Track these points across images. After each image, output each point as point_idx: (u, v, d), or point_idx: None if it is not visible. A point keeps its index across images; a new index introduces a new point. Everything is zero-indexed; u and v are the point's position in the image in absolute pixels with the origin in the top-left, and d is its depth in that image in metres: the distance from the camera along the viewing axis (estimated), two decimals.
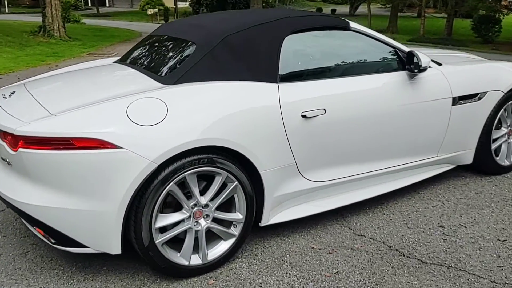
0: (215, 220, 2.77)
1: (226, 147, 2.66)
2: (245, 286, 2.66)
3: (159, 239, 2.57)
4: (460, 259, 2.91)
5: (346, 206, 3.35)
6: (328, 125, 3.05)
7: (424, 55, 3.37)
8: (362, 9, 35.65)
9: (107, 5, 44.56)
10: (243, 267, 2.84)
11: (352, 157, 3.24)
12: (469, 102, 3.73)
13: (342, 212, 3.46)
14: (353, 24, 3.37)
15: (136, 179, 2.41)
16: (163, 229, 2.63)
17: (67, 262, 2.88)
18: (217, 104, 2.69)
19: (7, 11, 33.97)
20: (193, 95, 2.69)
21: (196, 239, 2.71)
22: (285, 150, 2.92)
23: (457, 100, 3.64)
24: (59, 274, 2.76)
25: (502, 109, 3.94)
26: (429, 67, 3.44)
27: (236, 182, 2.73)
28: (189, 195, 2.66)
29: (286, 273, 2.77)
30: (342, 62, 3.29)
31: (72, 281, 2.70)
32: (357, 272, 2.77)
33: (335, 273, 2.77)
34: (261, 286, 2.65)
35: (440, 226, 3.30)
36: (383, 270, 2.80)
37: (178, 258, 2.67)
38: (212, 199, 2.71)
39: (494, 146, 4.01)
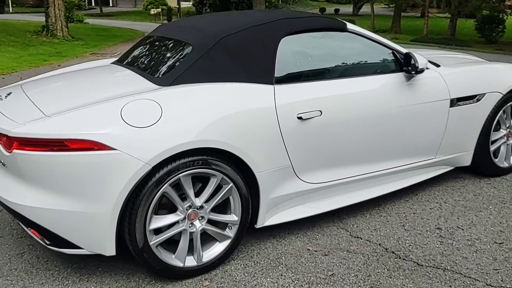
0: (210, 221, 2.77)
1: (221, 149, 2.66)
2: None
3: (154, 240, 2.57)
4: (456, 261, 2.90)
5: (343, 208, 3.34)
6: (325, 127, 3.04)
7: (421, 56, 3.35)
8: (365, 9, 35.57)
9: (111, 4, 44.69)
10: (238, 268, 2.84)
11: (348, 159, 3.24)
12: (467, 103, 3.71)
13: (339, 213, 3.45)
14: (350, 25, 3.36)
15: (130, 181, 2.41)
16: (158, 231, 2.63)
17: (62, 263, 2.88)
18: (212, 106, 2.69)
19: (11, 10, 34.09)
20: (188, 97, 2.69)
21: (191, 240, 2.71)
22: (281, 152, 2.91)
23: (455, 102, 3.63)
24: (55, 275, 2.76)
25: (501, 111, 3.93)
26: (427, 68, 3.42)
27: (231, 184, 2.73)
28: (184, 197, 2.66)
29: (281, 275, 2.77)
30: (338, 64, 3.28)
31: (67, 282, 2.70)
32: (353, 275, 2.77)
33: (330, 275, 2.76)
34: None
35: (437, 228, 3.29)
36: (378, 272, 2.79)
37: (172, 259, 2.67)
38: (207, 201, 2.71)
39: (493, 147, 4.00)
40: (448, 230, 3.26)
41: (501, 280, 2.71)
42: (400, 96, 3.36)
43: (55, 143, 2.37)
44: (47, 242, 2.57)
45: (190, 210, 2.67)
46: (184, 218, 2.66)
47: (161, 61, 3.18)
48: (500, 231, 3.26)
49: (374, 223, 3.37)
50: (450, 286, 2.66)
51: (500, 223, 3.37)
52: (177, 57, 3.05)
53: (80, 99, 2.65)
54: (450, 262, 2.89)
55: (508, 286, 2.66)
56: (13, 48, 14.06)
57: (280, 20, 3.14)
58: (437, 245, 3.07)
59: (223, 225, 2.82)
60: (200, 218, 2.72)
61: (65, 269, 2.82)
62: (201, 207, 2.70)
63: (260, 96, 2.85)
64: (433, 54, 4.61)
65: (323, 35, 3.34)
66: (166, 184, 2.52)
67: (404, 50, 3.44)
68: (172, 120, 2.55)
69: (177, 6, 30.80)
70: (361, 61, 3.39)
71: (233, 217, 2.82)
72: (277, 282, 2.70)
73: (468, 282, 2.70)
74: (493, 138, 3.97)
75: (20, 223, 2.78)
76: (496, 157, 4.07)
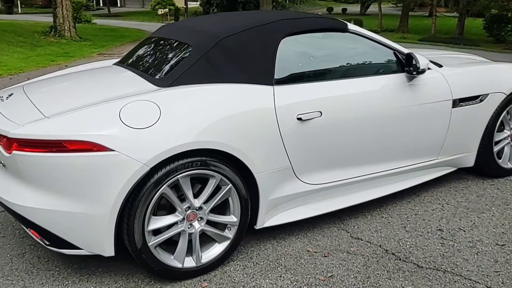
0: (209, 222, 2.77)
1: (220, 150, 2.66)
2: None
3: (152, 241, 2.58)
4: (457, 263, 2.88)
5: (344, 209, 3.33)
6: (325, 128, 3.03)
7: (422, 56, 3.33)
8: (373, 8, 35.47)
9: (119, 5, 44.89)
10: (238, 269, 2.84)
11: (349, 160, 3.23)
12: (470, 104, 3.68)
13: (340, 215, 3.44)
14: (351, 26, 3.35)
15: (128, 182, 2.42)
16: (156, 232, 2.63)
17: (63, 263, 2.90)
18: (210, 107, 2.69)
19: (19, 11, 34.34)
20: (186, 98, 2.69)
21: (190, 241, 2.72)
22: (281, 153, 2.91)
23: (457, 102, 3.61)
24: (55, 275, 2.78)
25: (505, 111, 3.89)
26: (428, 68, 3.40)
27: (230, 185, 2.73)
28: (183, 198, 2.66)
29: (280, 276, 2.77)
30: (339, 64, 3.27)
31: (67, 282, 2.72)
32: (352, 276, 2.76)
33: (329, 276, 2.76)
34: None
35: (439, 229, 3.27)
36: (378, 274, 2.78)
37: (171, 260, 2.67)
38: (206, 202, 2.71)
39: (496, 148, 3.96)
40: (449, 232, 3.24)
41: (502, 283, 2.69)
42: (402, 96, 3.34)
43: (54, 144, 2.39)
44: (47, 243, 2.58)
45: (189, 211, 2.67)
46: (183, 219, 2.67)
47: (161, 62, 3.19)
48: (503, 232, 3.24)
49: (375, 224, 3.35)
50: None
51: (503, 224, 3.34)
52: (177, 58, 3.06)
53: (80, 100, 2.66)
54: (450, 264, 2.87)
55: None
56: (21, 49, 14.18)
57: (280, 21, 3.13)
58: (438, 247, 3.05)
59: (222, 226, 2.83)
60: (199, 219, 2.72)
61: (65, 269, 2.84)
62: (200, 208, 2.71)
63: (259, 97, 2.85)
64: (436, 54, 4.58)
65: (324, 35, 3.34)
66: (164, 185, 2.53)
67: (405, 51, 3.42)
68: (171, 121, 2.55)
69: (185, 6, 30.88)
70: (362, 62, 3.38)
71: (232, 218, 2.82)
72: (276, 283, 2.70)
73: (468, 284, 2.68)
74: (496, 139, 3.94)
75: (21, 223, 2.80)
76: (499, 158, 4.04)
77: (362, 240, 3.15)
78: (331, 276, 2.76)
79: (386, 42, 3.45)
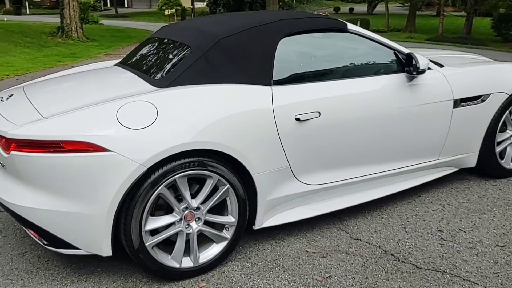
0: (207, 223, 2.77)
1: (217, 150, 2.67)
2: None
3: (149, 241, 2.59)
4: (456, 264, 2.86)
5: (344, 210, 3.33)
6: (324, 128, 3.03)
7: (422, 56, 3.32)
8: (380, 8, 35.35)
9: (126, 5, 45.08)
10: (235, 270, 2.84)
11: (348, 160, 3.22)
12: (471, 104, 3.66)
13: (340, 215, 3.43)
14: (350, 26, 3.34)
15: (125, 182, 2.43)
16: (154, 232, 2.64)
17: (62, 263, 2.91)
18: (208, 107, 2.69)
19: (28, 12, 34.57)
20: (184, 98, 2.70)
21: (188, 241, 2.72)
22: (279, 153, 2.91)
23: (458, 103, 3.58)
24: (54, 275, 2.80)
25: (507, 112, 3.86)
26: (429, 68, 3.39)
27: (228, 185, 2.73)
28: (180, 198, 2.67)
29: (278, 276, 2.76)
30: (338, 65, 3.26)
31: (65, 281, 2.73)
32: (350, 277, 2.75)
33: (327, 277, 2.75)
34: None
35: (439, 230, 3.25)
36: (376, 275, 2.77)
37: (169, 260, 2.68)
38: (203, 202, 2.72)
39: (498, 149, 3.94)
40: (449, 233, 3.22)
41: (501, 284, 2.67)
42: (401, 97, 3.33)
43: (52, 144, 2.40)
44: (45, 242, 2.60)
45: (187, 211, 2.68)
46: (181, 219, 2.67)
47: (160, 62, 3.20)
48: (503, 233, 3.21)
49: (375, 225, 3.34)
50: None
51: (504, 225, 3.32)
52: (175, 58, 3.06)
53: (78, 101, 2.67)
54: (449, 265, 2.86)
55: None
56: (29, 49, 14.29)
57: (279, 21, 3.13)
58: (437, 248, 3.04)
59: (220, 227, 2.83)
60: (196, 219, 2.73)
61: (64, 269, 2.85)
62: (198, 208, 2.71)
63: (257, 98, 2.85)
64: (439, 54, 4.56)
65: (323, 35, 3.33)
66: (161, 186, 2.54)
67: (405, 50, 3.41)
68: (168, 121, 2.56)
69: (191, 7, 30.94)
70: (362, 62, 3.37)
71: (230, 219, 2.82)
72: (273, 284, 2.70)
73: (466, 285, 2.66)
74: (499, 139, 3.91)
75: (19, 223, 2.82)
76: (502, 159, 4.01)
77: (361, 240, 3.14)
78: (329, 276, 2.76)
79: (386, 42, 3.43)
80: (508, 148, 4.03)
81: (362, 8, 40.15)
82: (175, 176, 2.56)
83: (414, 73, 3.30)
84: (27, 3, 35.97)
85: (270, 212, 3.02)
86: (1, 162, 2.61)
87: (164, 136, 2.51)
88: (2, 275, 2.79)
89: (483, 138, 3.81)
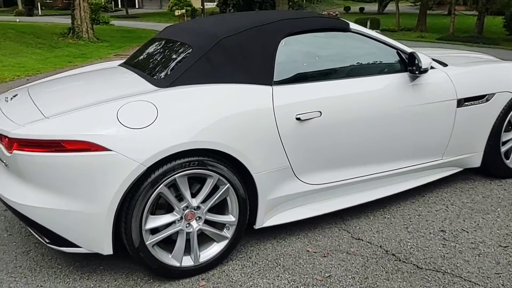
0: (208, 222, 2.79)
1: (218, 150, 2.68)
2: None
3: (150, 240, 2.61)
4: (458, 265, 2.84)
5: (347, 209, 3.32)
6: (325, 128, 3.03)
7: (425, 56, 3.30)
8: (390, 7, 35.17)
9: (137, 6, 45.33)
10: (236, 269, 2.85)
11: (350, 160, 3.21)
12: (475, 104, 3.63)
13: (342, 215, 3.43)
14: (353, 25, 3.33)
15: (125, 181, 2.45)
16: (155, 231, 2.66)
17: (65, 261, 2.95)
18: (208, 107, 2.71)
19: (40, 13, 34.90)
20: (184, 98, 2.71)
21: (188, 240, 2.74)
22: (279, 153, 2.91)
23: (462, 102, 3.56)
24: (57, 273, 2.83)
25: None
26: (432, 68, 3.37)
27: (228, 184, 2.75)
28: (181, 197, 2.69)
29: (278, 276, 2.77)
30: (340, 64, 3.25)
31: (68, 279, 2.77)
32: (350, 277, 2.75)
33: (327, 277, 2.75)
34: None
35: (441, 230, 3.24)
36: (376, 275, 2.76)
37: (169, 259, 2.70)
38: (203, 201, 2.74)
39: (504, 149, 3.90)
40: (452, 233, 3.21)
41: (502, 285, 2.65)
42: (404, 96, 3.32)
43: (53, 144, 2.43)
44: (47, 241, 2.63)
45: (187, 210, 2.70)
46: (181, 218, 2.69)
47: (162, 63, 3.22)
48: (507, 234, 3.19)
49: (377, 224, 3.33)
50: None
51: (507, 226, 3.29)
52: (177, 58, 3.08)
53: (80, 101, 2.70)
54: (451, 265, 2.84)
55: None
56: (40, 50, 14.44)
57: (280, 21, 3.14)
58: (439, 248, 3.02)
59: (220, 226, 2.84)
60: (197, 219, 2.75)
61: (67, 267, 2.89)
62: (198, 207, 2.73)
63: (258, 97, 2.86)
64: (444, 53, 4.53)
65: (325, 35, 3.32)
66: (161, 185, 2.56)
67: (408, 50, 3.40)
68: (168, 121, 2.58)
69: (201, 7, 31.02)
70: (364, 61, 3.36)
71: (230, 218, 2.83)
72: (273, 283, 2.70)
73: (467, 286, 2.65)
74: (504, 139, 3.88)
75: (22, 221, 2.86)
76: (507, 158, 3.98)
77: (362, 240, 3.13)
78: (329, 276, 2.76)
79: (389, 41, 3.42)
80: None
81: (372, 7, 39.98)
82: (175, 176, 2.58)
83: (417, 72, 3.28)
84: (39, 4, 36.33)
85: (271, 212, 3.02)
86: (4, 161, 2.65)
87: (164, 136, 2.53)
88: (7, 273, 2.83)
89: (487, 138, 3.78)
